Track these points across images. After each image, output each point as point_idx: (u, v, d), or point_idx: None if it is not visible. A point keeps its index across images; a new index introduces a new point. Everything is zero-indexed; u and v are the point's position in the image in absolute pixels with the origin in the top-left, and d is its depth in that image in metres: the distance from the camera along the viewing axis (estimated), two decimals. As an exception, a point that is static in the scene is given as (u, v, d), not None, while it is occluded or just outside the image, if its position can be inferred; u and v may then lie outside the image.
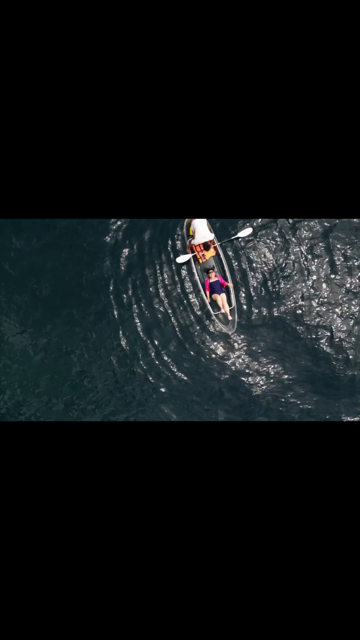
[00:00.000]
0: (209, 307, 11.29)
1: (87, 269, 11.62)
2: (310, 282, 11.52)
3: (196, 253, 11.53)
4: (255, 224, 11.75)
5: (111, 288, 11.52)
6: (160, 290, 11.52)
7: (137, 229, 11.80)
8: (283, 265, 11.60)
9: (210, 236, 11.35)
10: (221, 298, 11.19)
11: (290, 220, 11.75)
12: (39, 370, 11.25)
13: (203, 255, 11.52)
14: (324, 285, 11.50)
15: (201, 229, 11.32)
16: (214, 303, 11.33)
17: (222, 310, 11.19)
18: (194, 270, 11.49)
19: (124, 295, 11.49)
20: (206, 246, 11.41)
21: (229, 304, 11.23)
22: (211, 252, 11.51)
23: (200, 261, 11.56)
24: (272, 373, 11.18)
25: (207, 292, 11.32)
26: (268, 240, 11.72)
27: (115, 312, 11.40)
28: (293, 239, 11.69)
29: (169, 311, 11.44)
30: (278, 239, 11.69)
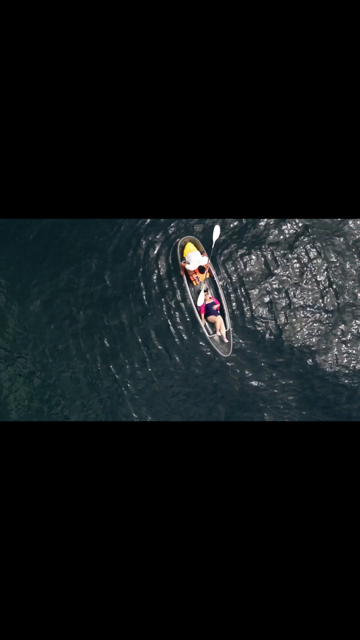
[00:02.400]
0: (203, 329, 10.96)
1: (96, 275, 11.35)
2: (307, 296, 11.50)
3: (190, 275, 11.25)
4: (244, 236, 11.63)
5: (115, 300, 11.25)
6: (153, 306, 11.29)
7: (137, 237, 11.55)
8: (277, 280, 11.54)
9: (204, 260, 11.06)
10: (217, 320, 10.87)
11: (286, 233, 11.68)
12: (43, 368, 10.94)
13: (197, 277, 11.24)
14: (322, 297, 11.50)
15: (194, 258, 11.08)
16: (209, 325, 11.09)
17: (218, 333, 10.84)
18: (187, 292, 11.16)
19: (129, 306, 11.26)
20: (201, 269, 11.11)
21: (225, 326, 10.87)
22: (205, 275, 11.25)
23: (194, 283, 11.26)
24: (270, 382, 11.07)
25: (202, 315, 10.98)
26: (261, 257, 11.62)
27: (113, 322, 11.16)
28: (289, 254, 11.65)
29: (165, 329, 11.18)
30: (268, 256, 11.62)
